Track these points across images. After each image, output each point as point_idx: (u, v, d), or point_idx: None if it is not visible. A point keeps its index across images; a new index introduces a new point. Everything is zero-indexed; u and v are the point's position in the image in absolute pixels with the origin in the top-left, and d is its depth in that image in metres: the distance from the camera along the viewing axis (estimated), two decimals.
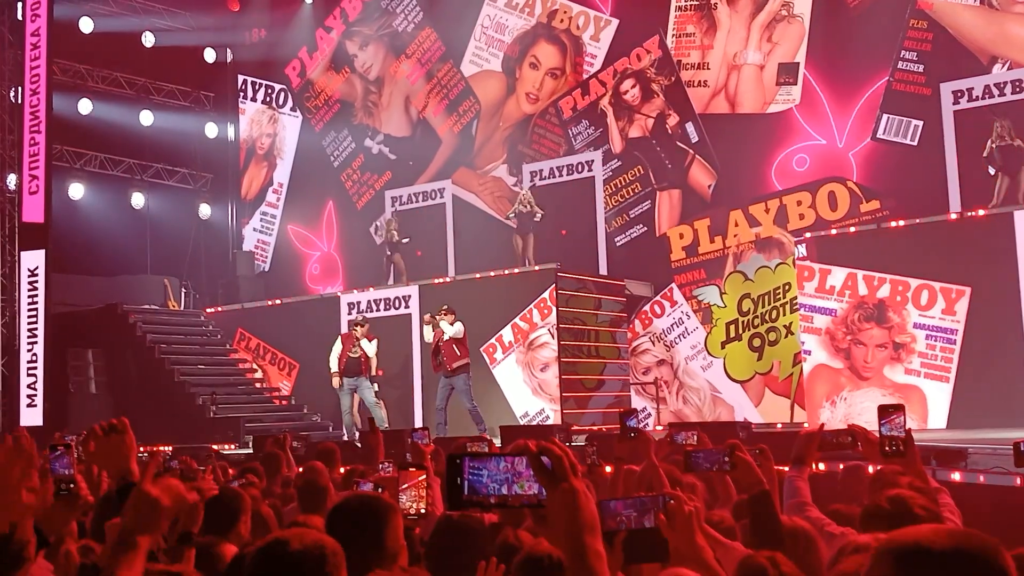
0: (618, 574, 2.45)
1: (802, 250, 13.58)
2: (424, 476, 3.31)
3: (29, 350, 17.34)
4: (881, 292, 12.58)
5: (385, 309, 16.92)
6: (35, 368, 17.32)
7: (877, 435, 3.74)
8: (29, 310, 17.48)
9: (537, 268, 15.66)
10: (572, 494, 1.68)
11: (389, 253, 18.23)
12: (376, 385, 15.64)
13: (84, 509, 2.97)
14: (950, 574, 1.45)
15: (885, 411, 3.67)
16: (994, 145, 13.62)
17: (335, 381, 15.08)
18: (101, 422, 2.87)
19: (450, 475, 1.76)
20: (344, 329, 16.49)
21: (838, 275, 12.89)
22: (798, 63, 16.16)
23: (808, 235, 13.80)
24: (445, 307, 14.35)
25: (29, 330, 17.39)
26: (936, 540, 1.48)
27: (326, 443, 7.53)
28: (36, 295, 17.50)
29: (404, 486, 3.28)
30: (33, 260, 17.67)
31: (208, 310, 20.01)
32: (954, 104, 14.37)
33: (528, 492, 1.72)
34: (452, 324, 14.12)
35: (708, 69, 16.97)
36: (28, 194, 17.87)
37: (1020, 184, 13.43)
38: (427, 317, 14.56)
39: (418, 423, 15.80)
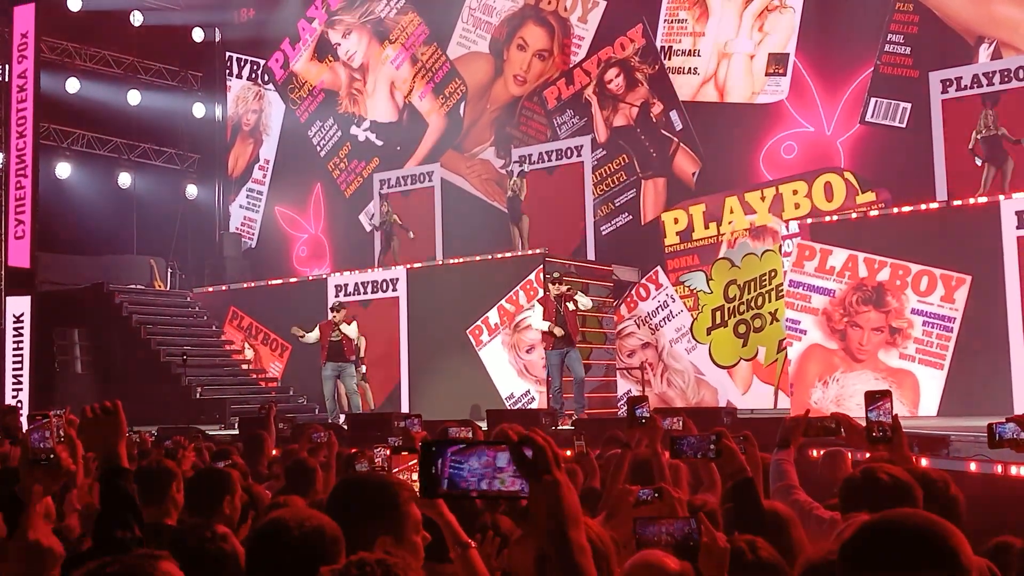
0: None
1: (795, 228, 13.56)
2: (415, 460, 3.31)
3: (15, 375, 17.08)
4: (881, 275, 12.57)
5: (373, 292, 16.89)
6: (21, 352, 17.17)
7: (861, 423, 3.76)
8: (14, 359, 17.02)
9: (525, 253, 15.64)
10: (555, 487, 1.62)
11: (385, 234, 18.20)
12: (364, 368, 15.63)
13: (66, 478, 2.96)
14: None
15: (872, 397, 3.67)
16: (979, 136, 13.65)
17: (308, 337, 14.99)
18: (94, 403, 2.85)
19: (424, 462, 1.69)
20: (331, 314, 16.49)
21: (839, 256, 12.87)
22: (788, 53, 16.14)
23: (809, 221, 13.77)
24: (559, 277, 13.41)
25: (14, 375, 17.07)
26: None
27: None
28: (21, 342, 17.13)
29: (396, 469, 3.28)
30: (19, 306, 17.27)
31: (196, 290, 19.95)
32: (942, 93, 14.38)
33: (510, 488, 1.65)
34: (585, 294, 13.40)
35: (699, 56, 16.95)
36: (14, 239, 17.47)
37: (1006, 174, 13.46)
38: (564, 291, 13.21)
39: (404, 407, 15.81)
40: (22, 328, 17.10)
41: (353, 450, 5.18)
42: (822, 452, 6.30)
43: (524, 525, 1.68)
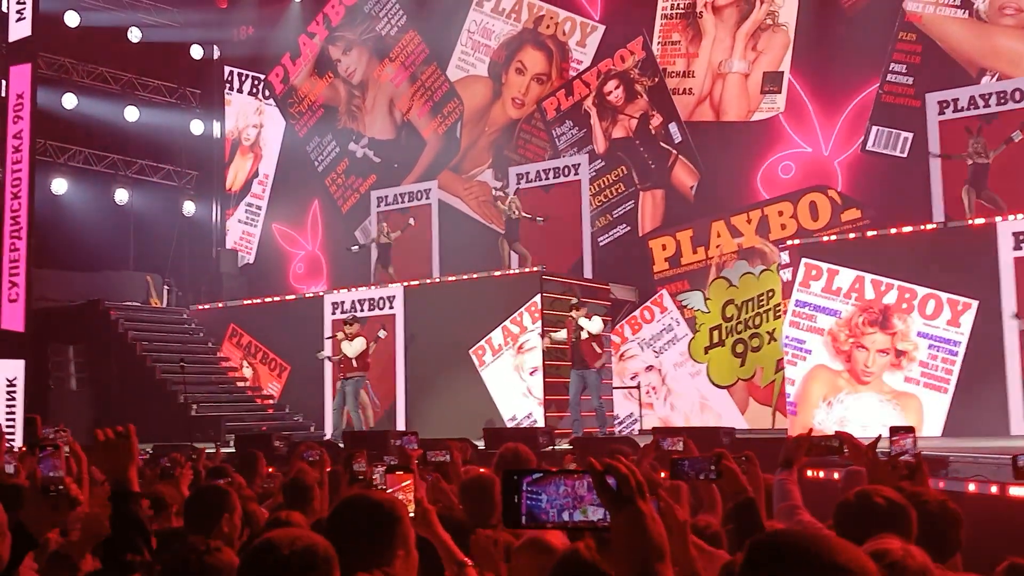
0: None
1: (786, 257, 13.60)
2: (409, 481, 3.28)
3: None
4: (888, 298, 12.58)
5: (370, 309, 16.87)
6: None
7: (867, 444, 3.74)
8: (7, 423, 15.99)
9: (521, 271, 15.63)
10: (639, 517, 1.57)
11: (379, 254, 18.18)
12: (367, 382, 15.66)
13: (74, 509, 2.94)
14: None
15: (896, 432, 3.66)
16: (969, 163, 13.73)
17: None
18: (107, 428, 2.84)
19: (506, 493, 1.66)
20: (328, 330, 16.50)
21: (845, 276, 12.87)
22: (782, 72, 16.21)
23: (793, 243, 13.80)
24: (575, 301, 13.65)
25: (7, 438, 16.42)
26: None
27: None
28: (14, 406, 16.62)
29: (391, 489, 3.25)
30: (12, 370, 16.78)
31: (192, 307, 19.91)
32: (939, 114, 14.44)
33: (592, 518, 1.61)
34: (590, 319, 13.33)
35: (693, 77, 17.01)
36: (8, 301, 17.12)
37: (994, 199, 13.48)
38: (574, 313, 13.41)
39: (401, 424, 15.77)
40: (15, 392, 16.69)
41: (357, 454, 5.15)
42: (842, 473, 6.24)
43: (607, 555, 1.62)
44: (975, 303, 12.11)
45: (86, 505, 2.91)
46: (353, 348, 15.02)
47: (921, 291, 12.39)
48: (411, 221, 18.71)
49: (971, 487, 6.96)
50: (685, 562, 2.50)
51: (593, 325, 13.24)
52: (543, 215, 17.23)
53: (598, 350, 13.26)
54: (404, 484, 3.27)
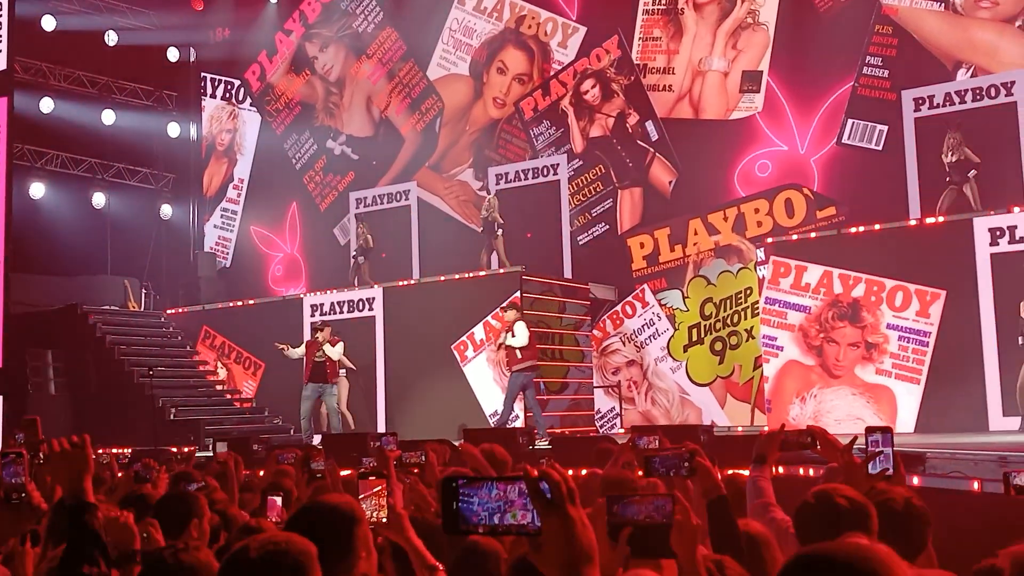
0: (619, 571, 2.45)
1: (761, 254, 13.64)
2: (382, 486, 3.24)
3: None
4: (856, 291, 12.64)
5: (349, 311, 16.81)
6: None
7: (839, 439, 3.73)
8: None
9: (502, 271, 15.61)
10: (570, 522, 1.63)
11: (358, 256, 18.09)
12: (344, 372, 15.60)
13: (37, 517, 2.90)
14: None
15: (872, 432, 3.65)
16: (946, 159, 13.76)
17: (293, 352, 15.42)
18: (62, 438, 2.81)
19: (445, 500, 1.71)
20: (308, 333, 16.41)
21: (814, 272, 12.92)
22: (762, 71, 16.24)
23: (770, 240, 13.85)
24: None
25: None
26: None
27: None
28: None
29: (362, 496, 3.21)
30: None
31: (170, 311, 19.80)
32: (915, 111, 14.49)
33: (521, 521, 1.66)
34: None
35: (673, 74, 17.03)
36: None
37: (967, 196, 13.53)
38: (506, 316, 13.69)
39: (381, 426, 15.72)
40: None
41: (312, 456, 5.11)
42: (821, 470, 6.23)
43: (537, 559, 1.67)
44: (943, 293, 12.18)
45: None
46: (337, 352, 14.99)
47: (889, 283, 12.45)
48: (382, 255, 18.51)
49: (946, 483, 6.98)
50: (691, 570, 2.51)
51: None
52: (528, 233, 17.16)
53: (519, 355, 13.38)
54: (376, 490, 3.23)
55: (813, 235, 13.91)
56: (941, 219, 12.92)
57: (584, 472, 5.96)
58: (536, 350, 13.67)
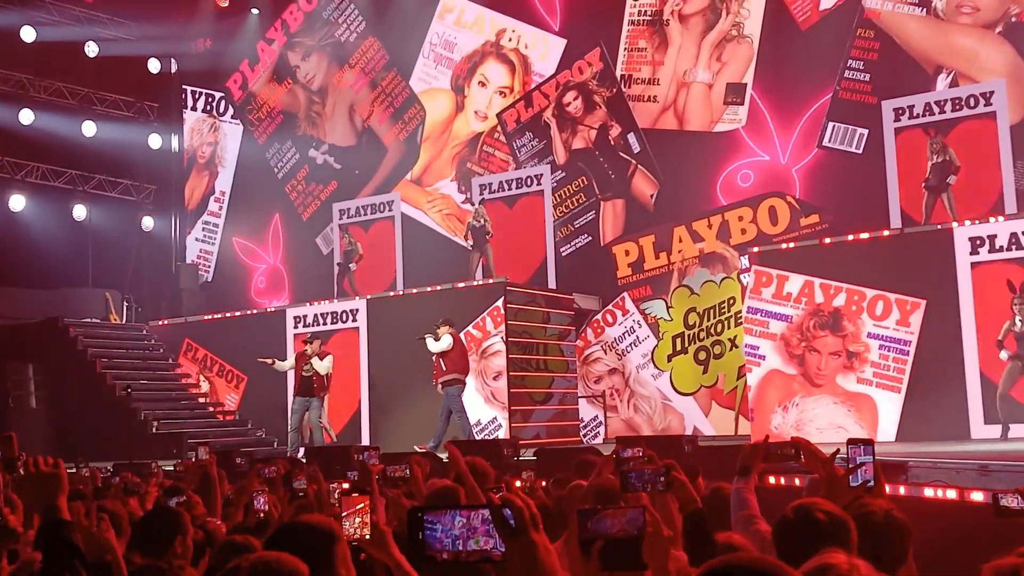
0: None
1: (745, 262, 13.70)
2: (365, 503, 3.22)
3: None
4: (837, 301, 12.72)
5: (333, 323, 16.78)
6: None
7: (823, 449, 3.74)
8: None
9: (487, 282, 15.63)
10: (532, 548, 1.66)
11: (348, 264, 18.09)
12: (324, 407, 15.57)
13: (14, 540, 2.89)
14: None
15: (854, 444, 3.67)
16: (930, 163, 13.84)
17: (281, 365, 15.57)
18: (38, 457, 2.81)
19: (410, 529, 1.75)
20: (291, 345, 16.39)
21: (795, 282, 13.01)
22: (745, 84, 16.32)
23: (755, 249, 13.91)
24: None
25: None
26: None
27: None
28: None
29: (345, 513, 3.19)
30: None
31: (152, 323, 19.72)
32: (895, 121, 14.59)
33: (484, 547, 1.71)
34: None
35: (658, 85, 17.10)
36: None
37: (948, 202, 13.62)
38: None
39: (365, 439, 15.68)
40: None
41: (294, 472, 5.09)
42: (805, 480, 6.26)
43: None
44: (923, 303, 12.27)
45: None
46: (325, 365, 14.95)
47: (870, 292, 12.53)
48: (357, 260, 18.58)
49: (928, 492, 7.01)
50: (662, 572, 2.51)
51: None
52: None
53: (443, 367, 13.60)
54: (359, 507, 3.22)
55: (790, 245, 13.97)
56: (919, 229, 13.01)
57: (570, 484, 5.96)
58: (466, 364, 13.87)
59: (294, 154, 20.99)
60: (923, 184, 13.81)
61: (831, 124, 15.46)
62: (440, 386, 13.68)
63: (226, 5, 21.95)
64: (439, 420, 13.68)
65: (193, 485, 5.82)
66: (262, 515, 4.33)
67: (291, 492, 4.74)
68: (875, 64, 15.28)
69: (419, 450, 11.96)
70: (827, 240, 13.54)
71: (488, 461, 5.92)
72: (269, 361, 15.54)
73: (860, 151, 15.18)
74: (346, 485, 4.13)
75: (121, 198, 21.70)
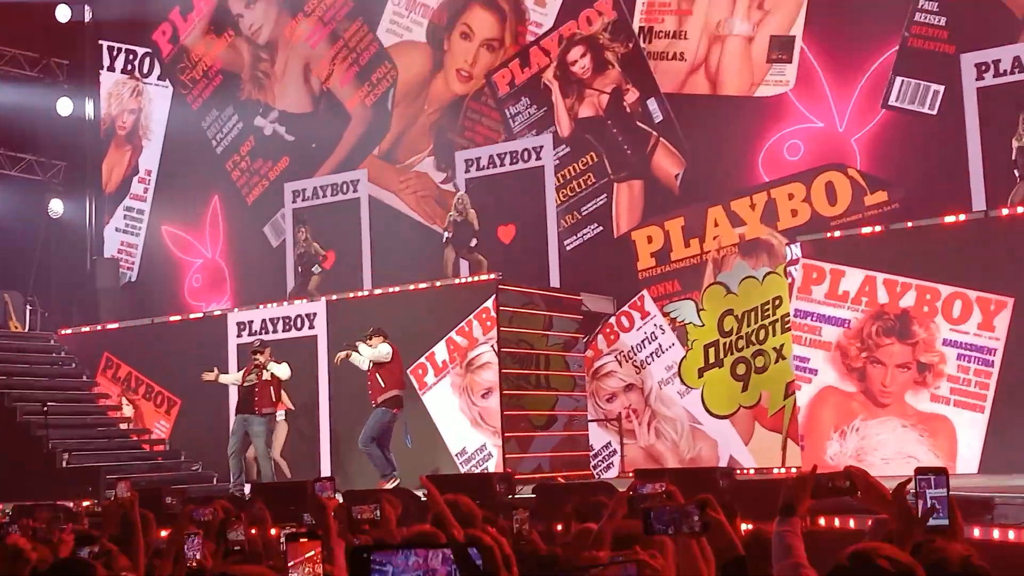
0: None
1: (796, 251, 13.68)
2: (316, 550, 3.21)
3: None
4: (905, 300, 12.71)
5: (285, 330, 16.78)
6: None
7: (893, 490, 3.74)
8: None
9: (474, 279, 15.64)
10: None
11: (311, 267, 18.17)
12: (283, 414, 15.62)
13: None
14: None
15: (923, 474, 3.67)
16: (1018, 144, 13.84)
17: (224, 377, 15.76)
18: None
19: (355, 574, 1.82)
20: (235, 357, 16.42)
21: (853, 278, 12.99)
22: (793, 36, 16.27)
23: (807, 237, 13.89)
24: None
25: None
26: None
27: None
28: None
29: (292, 563, 3.18)
30: None
31: (63, 332, 19.72)
32: (978, 80, 14.57)
33: None
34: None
35: (686, 39, 17.07)
36: None
37: None
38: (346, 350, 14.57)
39: (326, 469, 15.69)
40: None
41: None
42: (865, 522, 6.25)
43: None
44: (1010, 301, 12.26)
45: None
46: (285, 371, 15.00)
47: (945, 290, 12.52)
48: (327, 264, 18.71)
49: (1011, 534, 7.03)
50: None
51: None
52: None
53: (381, 383, 14.01)
54: (310, 554, 3.21)
55: (837, 234, 13.93)
56: (1006, 212, 13.01)
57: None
58: (404, 379, 14.31)
59: (236, 123, 20.98)
60: (1014, 169, 13.81)
61: (899, 79, 15.42)
62: (378, 405, 14.00)
63: None
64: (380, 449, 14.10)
65: (111, 531, 5.81)
66: (194, 565, 4.33)
67: (225, 544, 4.72)
68: (953, 6, 15.23)
69: (385, 487, 12.00)
70: (909, 224, 13.42)
71: (475, 500, 5.93)
72: (213, 376, 15.55)
73: (935, 112, 15.13)
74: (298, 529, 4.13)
75: (23, 177, 21.69)
